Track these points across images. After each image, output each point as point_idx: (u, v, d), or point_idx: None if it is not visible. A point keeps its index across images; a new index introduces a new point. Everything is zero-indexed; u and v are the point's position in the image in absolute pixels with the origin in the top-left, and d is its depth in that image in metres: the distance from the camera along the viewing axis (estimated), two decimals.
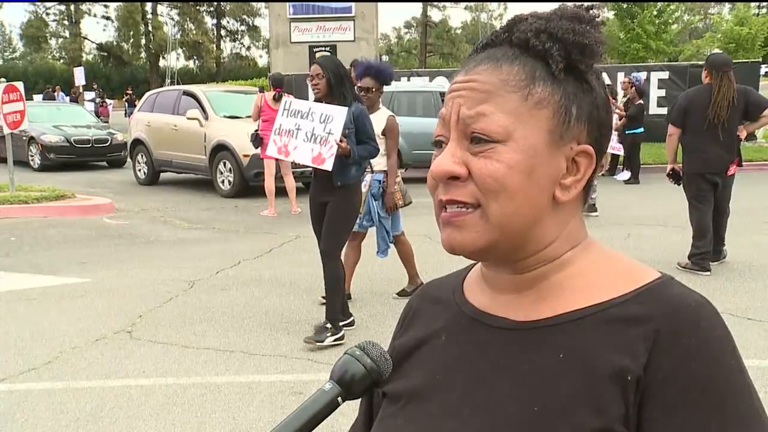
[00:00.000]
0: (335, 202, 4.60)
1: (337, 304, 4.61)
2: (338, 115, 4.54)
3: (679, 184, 6.41)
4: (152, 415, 3.64)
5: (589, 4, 0.84)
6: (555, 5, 0.84)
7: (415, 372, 0.88)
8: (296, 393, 3.89)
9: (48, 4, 56.70)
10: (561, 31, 0.79)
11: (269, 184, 9.55)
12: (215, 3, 60.70)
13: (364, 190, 5.30)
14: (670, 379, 0.72)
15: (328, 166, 4.54)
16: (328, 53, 24.96)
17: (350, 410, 0.97)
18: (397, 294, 5.64)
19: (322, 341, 4.50)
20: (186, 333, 4.92)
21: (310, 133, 4.62)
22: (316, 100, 4.75)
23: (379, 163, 5.28)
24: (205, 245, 7.89)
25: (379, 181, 5.38)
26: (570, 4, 0.84)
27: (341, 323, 4.78)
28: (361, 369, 0.88)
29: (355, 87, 4.98)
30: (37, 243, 8.08)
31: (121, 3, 56.52)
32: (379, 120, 5.18)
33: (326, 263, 4.62)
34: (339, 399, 0.87)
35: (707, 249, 6.16)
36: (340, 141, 4.47)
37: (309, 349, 4.51)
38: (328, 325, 4.57)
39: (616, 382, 0.73)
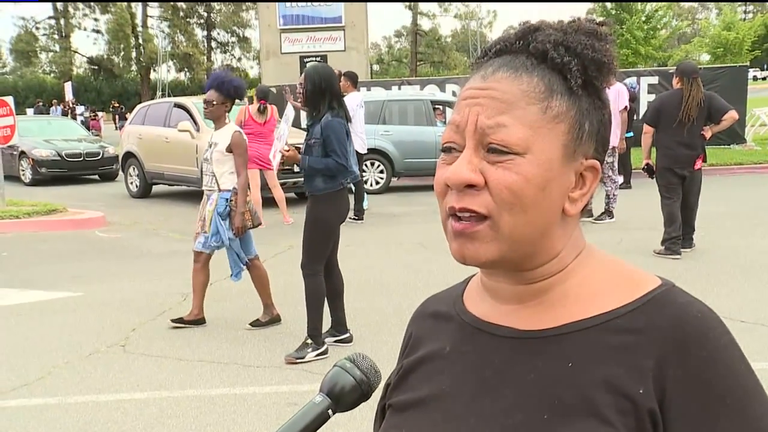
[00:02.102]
0: (307, 213, 4.57)
1: (317, 320, 4.53)
2: (291, 115, 4.67)
3: (652, 178, 7.10)
4: (146, 429, 3.62)
5: (601, 20, 0.84)
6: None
7: (421, 383, 0.88)
8: (291, 404, 3.87)
9: (38, 18, 56.70)
10: (580, 47, 0.80)
11: (255, 195, 9.54)
12: (205, 15, 60.82)
13: (209, 208, 5.10)
14: (688, 392, 0.73)
15: (271, 166, 4.75)
16: (319, 63, 25.01)
17: (345, 419, 0.96)
18: (251, 325, 5.22)
19: (303, 357, 4.45)
20: (180, 345, 4.89)
21: (282, 136, 4.75)
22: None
23: (227, 180, 5.06)
24: None
25: (226, 199, 5.05)
26: (583, 18, 0.84)
27: (336, 338, 4.75)
28: (351, 381, 0.88)
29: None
30: (28, 258, 8.03)
31: (111, 16, 56.51)
32: (224, 136, 5.05)
33: (303, 277, 4.58)
34: (329, 411, 0.86)
35: (677, 234, 6.89)
36: (287, 150, 4.44)
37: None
38: (309, 341, 4.51)
39: (623, 395, 0.74)
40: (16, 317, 5.68)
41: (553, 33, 0.81)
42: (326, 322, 4.76)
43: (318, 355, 4.49)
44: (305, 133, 4.68)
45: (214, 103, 5.03)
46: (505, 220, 0.77)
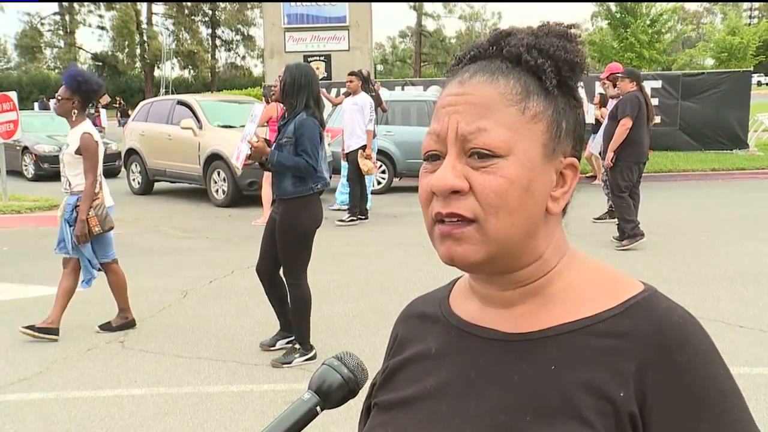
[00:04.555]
0: (279, 221, 4.37)
1: (304, 327, 4.46)
2: (258, 113, 4.45)
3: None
4: (144, 425, 3.63)
5: (570, 23, 0.86)
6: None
7: (407, 383, 0.89)
8: (288, 402, 3.82)
9: (43, 14, 56.86)
10: (552, 48, 0.81)
11: (267, 193, 9.53)
12: (210, 13, 60.89)
13: (59, 213, 4.97)
14: (669, 396, 0.74)
15: (239, 164, 4.63)
16: (323, 62, 25.05)
17: (342, 419, 0.97)
18: (100, 327, 5.08)
19: (290, 363, 4.40)
20: (178, 342, 4.90)
21: (245, 134, 4.59)
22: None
23: (78, 184, 4.85)
24: (199, 254, 7.87)
25: (72, 205, 4.88)
26: (553, 22, 0.85)
27: (287, 339, 4.68)
28: (339, 378, 0.89)
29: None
30: (29, 253, 8.05)
31: (116, 13, 56.64)
32: (75, 137, 4.81)
33: (288, 287, 4.48)
34: (318, 408, 0.88)
35: (637, 221, 7.58)
36: (256, 141, 4.28)
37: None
38: (297, 346, 4.47)
39: (604, 397, 0.75)
40: (16, 312, 5.69)
41: (525, 37, 0.82)
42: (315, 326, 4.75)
43: (306, 360, 4.42)
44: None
45: (60, 98, 4.85)
46: (492, 223, 0.78)
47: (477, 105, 0.79)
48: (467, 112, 0.79)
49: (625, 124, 7.33)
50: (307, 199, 4.33)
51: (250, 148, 4.34)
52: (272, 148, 4.39)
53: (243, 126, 10.45)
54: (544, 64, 0.80)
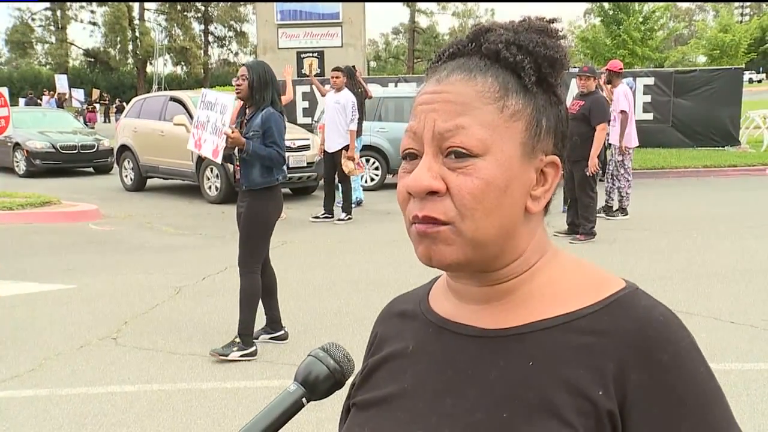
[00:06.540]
0: (244, 209, 4.53)
1: (250, 319, 4.48)
2: (229, 104, 4.57)
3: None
4: (137, 422, 3.63)
5: (552, 17, 0.84)
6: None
7: (384, 382, 0.88)
8: None
9: (34, 9, 56.53)
10: (532, 44, 0.79)
11: None
12: (203, 9, 60.70)
13: None
14: (650, 396, 0.73)
15: (219, 158, 4.71)
16: (316, 59, 25.01)
17: (335, 414, 0.97)
18: None
19: (227, 355, 4.40)
20: (172, 339, 4.90)
21: (214, 125, 4.65)
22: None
23: None
24: (192, 251, 7.86)
25: None
26: (534, 17, 0.84)
27: (271, 335, 4.74)
28: (325, 370, 0.89)
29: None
30: (21, 249, 8.01)
31: (108, 9, 56.40)
32: None
33: (240, 275, 4.54)
34: (303, 400, 0.88)
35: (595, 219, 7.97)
36: (232, 132, 4.40)
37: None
38: (237, 340, 4.46)
39: (583, 396, 0.74)
40: (8, 309, 5.67)
41: (504, 33, 0.81)
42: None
43: (244, 355, 4.42)
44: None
45: None
46: (468, 224, 0.76)
47: (454, 103, 0.77)
48: (444, 110, 0.77)
49: (604, 128, 7.62)
50: (273, 189, 4.53)
51: (226, 140, 4.44)
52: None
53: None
54: (523, 60, 0.78)
